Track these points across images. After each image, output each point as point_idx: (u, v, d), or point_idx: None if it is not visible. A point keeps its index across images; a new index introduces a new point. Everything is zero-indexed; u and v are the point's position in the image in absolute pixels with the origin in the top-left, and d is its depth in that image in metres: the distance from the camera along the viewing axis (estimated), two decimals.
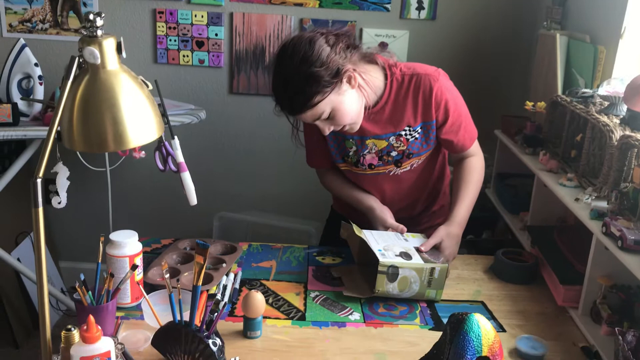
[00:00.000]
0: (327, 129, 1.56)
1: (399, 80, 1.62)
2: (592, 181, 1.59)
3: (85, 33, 1.05)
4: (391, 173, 1.72)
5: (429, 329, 1.41)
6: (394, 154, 1.68)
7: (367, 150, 1.68)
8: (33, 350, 2.59)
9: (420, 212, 1.86)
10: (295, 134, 1.70)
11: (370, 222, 1.73)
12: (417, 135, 1.65)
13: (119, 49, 1.05)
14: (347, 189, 1.80)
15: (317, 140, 1.74)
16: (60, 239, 2.98)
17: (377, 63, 1.62)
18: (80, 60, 1.03)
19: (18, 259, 2.54)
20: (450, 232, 1.64)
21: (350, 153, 1.70)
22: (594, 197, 1.50)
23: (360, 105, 1.57)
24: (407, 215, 1.80)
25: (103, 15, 1.03)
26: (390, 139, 1.65)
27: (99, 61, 1.02)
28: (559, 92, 2.04)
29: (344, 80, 1.49)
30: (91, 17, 1.02)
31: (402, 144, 1.66)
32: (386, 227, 1.69)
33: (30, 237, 2.72)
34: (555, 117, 1.90)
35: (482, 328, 1.04)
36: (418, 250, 1.54)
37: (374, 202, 1.74)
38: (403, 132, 1.64)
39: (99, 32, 1.03)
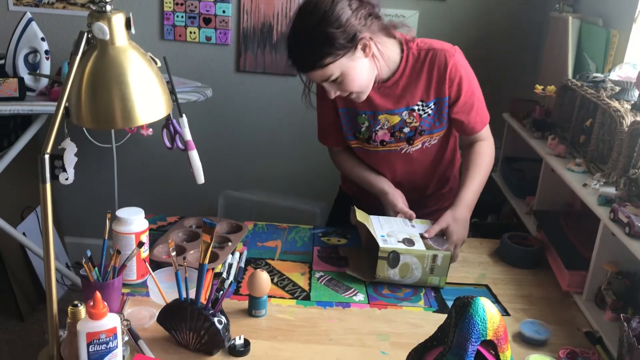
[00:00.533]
0: (333, 92, 1.55)
1: (415, 55, 1.61)
2: (601, 167, 1.58)
3: (93, 8, 1.04)
4: (403, 151, 1.71)
5: (433, 312, 1.41)
6: (406, 130, 1.66)
7: (380, 126, 1.67)
8: (38, 324, 2.61)
9: (430, 194, 1.85)
10: (306, 93, 1.66)
11: (382, 205, 1.72)
12: (429, 112, 1.64)
13: (127, 25, 1.04)
14: (360, 170, 1.79)
15: (330, 117, 1.74)
16: (65, 215, 2.99)
17: (395, 37, 1.61)
18: (89, 35, 1.02)
19: (24, 234, 2.56)
20: (457, 216, 1.62)
21: (363, 129, 1.69)
22: (602, 183, 1.49)
23: (371, 76, 1.55)
24: (416, 197, 1.78)
25: None
26: (403, 114, 1.64)
27: (107, 37, 1.01)
28: (570, 76, 2.02)
29: (359, 47, 1.48)
30: None
31: (414, 120, 1.65)
32: (396, 212, 1.68)
33: (36, 212, 2.73)
34: (565, 101, 1.89)
35: (488, 312, 1.04)
36: (422, 236, 1.54)
37: (387, 186, 1.73)
38: (416, 107, 1.63)
39: (108, 8, 1.02)
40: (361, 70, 1.51)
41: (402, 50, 1.61)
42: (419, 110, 1.64)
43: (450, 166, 1.84)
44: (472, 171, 1.70)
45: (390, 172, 1.76)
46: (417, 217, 1.68)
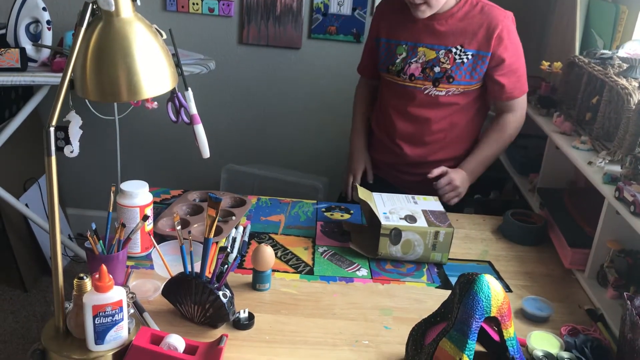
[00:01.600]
0: None
1: (473, 3, 1.71)
2: (606, 145, 1.57)
3: None
4: (426, 91, 1.76)
5: (436, 287, 1.42)
6: (437, 69, 1.73)
7: (415, 59, 1.75)
8: (41, 294, 2.63)
9: (433, 162, 1.85)
10: None
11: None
12: (465, 60, 1.71)
13: None
14: (359, 114, 2.01)
15: (370, 48, 1.90)
16: (67, 186, 2.99)
17: None
18: (94, 7, 1.01)
19: (26, 205, 2.56)
20: (457, 170, 1.77)
21: (398, 60, 1.77)
22: (607, 161, 1.48)
23: None
24: (417, 154, 1.86)
25: None
26: (440, 52, 1.73)
27: (113, 8, 0.99)
28: (577, 52, 2.00)
29: None
30: None
31: (448, 62, 1.72)
32: (348, 175, 1.96)
33: (38, 183, 2.73)
34: (572, 78, 1.87)
35: (492, 289, 1.04)
36: (425, 212, 1.54)
37: (358, 146, 1.96)
38: (454, 50, 1.71)
39: None
40: None
41: None
42: (455, 53, 1.71)
43: (466, 138, 1.86)
44: (488, 142, 1.83)
45: (404, 115, 1.82)
46: (409, 184, 1.85)
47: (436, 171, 1.76)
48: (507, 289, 1.44)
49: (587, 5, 2.03)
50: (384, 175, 1.95)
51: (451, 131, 1.82)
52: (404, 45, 1.77)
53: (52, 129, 0.99)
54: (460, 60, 1.71)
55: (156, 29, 1.08)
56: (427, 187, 1.78)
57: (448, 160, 1.85)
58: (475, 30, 1.69)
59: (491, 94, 1.78)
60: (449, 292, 1.35)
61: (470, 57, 1.70)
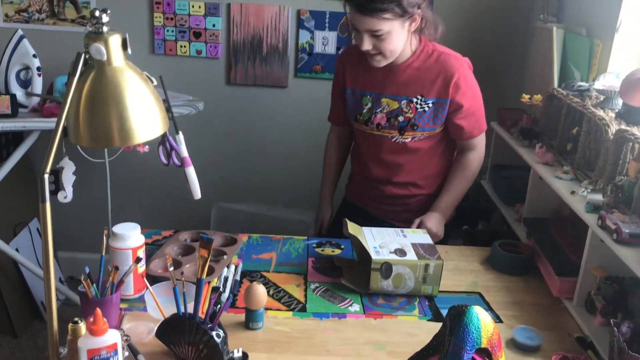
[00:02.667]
0: (367, 45, 1.67)
1: (429, 52, 1.77)
2: (588, 174, 1.62)
3: (90, 29, 1.06)
4: (393, 139, 1.82)
5: (428, 320, 1.44)
6: (400, 118, 1.79)
7: (380, 109, 1.80)
8: (32, 339, 2.60)
9: (410, 196, 1.94)
10: (347, 33, 1.96)
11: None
12: (426, 109, 1.77)
13: (124, 45, 1.06)
14: (329, 166, 2.09)
15: (338, 96, 1.94)
16: (57, 229, 2.95)
17: (421, 32, 1.79)
18: (87, 56, 1.04)
19: (17, 249, 2.56)
20: (431, 215, 1.83)
21: (364, 110, 1.83)
22: (589, 190, 1.52)
23: (401, 48, 1.73)
24: (394, 192, 1.93)
25: (109, 11, 1.04)
26: (402, 102, 1.78)
27: (105, 57, 1.03)
28: (555, 85, 2.06)
29: (410, 18, 1.67)
30: (97, 13, 1.03)
31: (410, 111, 1.77)
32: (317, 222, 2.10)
33: (29, 227, 2.73)
34: (552, 110, 1.92)
35: (482, 320, 1.06)
36: (414, 246, 1.56)
37: (325, 197, 2.06)
38: (415, 100, 1.77)
39: (105, 29, 1.04)
40: (401, 38, 1.70)
41: (419, 43, 1.77)
42: (416, 103, 1.77)
43: (436, 175, 1.93)
44: (455, 181, 1.90)
45: (377, 160, 1.89)
46: (394, 217, 1.91)
47: (413, 227, 1.81)
48: (498, 319, 1.46)
49: (563, 40, 2.10)
50: (366, 207, 2.01)
51: (423, 170, 1.90)
52: (368, 96, 1.83)
53: (46, 176, 1.02)
54: (422, 109, 1.77)
55: (147, 75, 1.11)
56: (408, 214, 1.88)
57: (427, 195, 1.92)
58: (433, 79, 1.75)
59: (452, 135, 1.87)
60: (440, 324, 1.37)
61: (431, 105, 1.77)
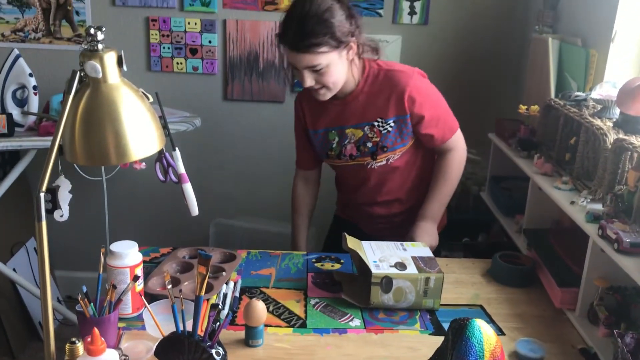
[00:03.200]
0: (309, 81, 1.66)
1: (375, 73, 1.74)
2: (587, 184, 1.61)
3: (85, 46, 1.06)
4: (369, 166, 1.82)
5: (429, 334, 1.42)
6: (369, 145, 1.78)
7: (348, 140, 1.79)
8: None
9: (398, 212, 1.93)
10: (288, 77, 1.89)
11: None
12: (389, 129, 1.75)
13: (119, 63, 1.06)
14: (298, 214, 2.04)
15: (303, 141, 1.93)
16: (54, 248, 2.96)
17: (361, 58, 1.74)
18: (82, 74, 1.04)
19: (14, 269, 2.54)
20: (424, 228, 1.78)
21: (334, 145, 1.82)
22: (589, 200, 1.52)
23: (344, 78, 1.70)
24: (384, 213, 1.92)
25: (104, 29, 1.04)
26: (365, 128, 1.77)
27: (100, 75, 1.03)
28: (552, 95, 2.06)
29: (346, 47, 1.64)
30: (92, 31, 1.03)
31: (375, 135, 1.76)
32: None
33: (26, 247, 2.72)
34: (549, 120, 1.92)
35: (484, 333, 1.05)
36: (414, 259, 1.55)
37: (300, 245, 2.00)
38: (376, 123, 1.75)
39: (100, 46, 1.04)
40: (342, 68, 1.67)
41: (364, 68, 1.75)
42: (378, 126, 1.75)
43: (421, 183, 1.91)
44: (438, 185, 1.85)
45: (360, 186, 1.88)
46: (387, 233, 1.85)
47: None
48: (500, 332, 1.44)
49: (559, 50, 2.10)
50: (358, 225, 2.00)
51: (405, 184, 1.89)
52: (333, 131, 1.82)
53: (42, 195, 1.01)
54: (386, 131, 1.76)
55: (142, 92, 1.11)
56: (401, 229, 1.86)
57: (414, 206, 1.90)
58: (387, 99, 1.73)
59: (425, 144, 1.84)
60: (442, 338, 1.36)
61: (392, 124, 1.75)
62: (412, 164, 1.86)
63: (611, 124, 1.60)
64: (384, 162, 1.81)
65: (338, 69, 1.65)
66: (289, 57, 1.66)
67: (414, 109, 1.73)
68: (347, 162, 1.84)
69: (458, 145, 1.86)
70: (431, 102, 1.77)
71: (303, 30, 1.57)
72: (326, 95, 1.71)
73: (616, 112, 1.64)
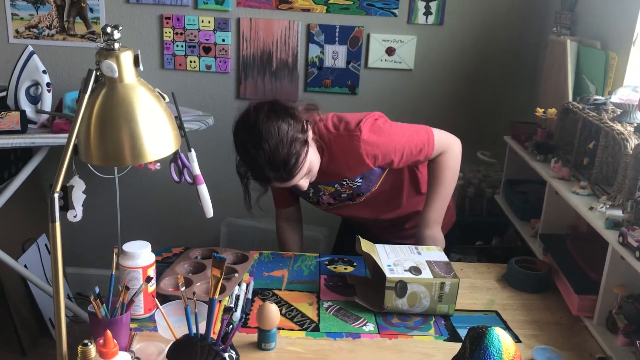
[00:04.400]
0: (306, 184, 1.64)
1: (327, 143, 1.65)
2: (606, 189, 1.58)
3: (101, 45, 1.04)
4: (352, 203, 1.80)
5: (444, 340, 1.40)
6: (344, 195, 1.76)
7: (322, 193, 1.77)
8: (40, 357, 2.58)
9: (404, 215, 1.90)
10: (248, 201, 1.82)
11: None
12: (359, 183, 1.72)
13: (136, 62, 1.05)
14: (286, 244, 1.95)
15: (280, 189, 1.83)
16: (65, 245, 2.95)
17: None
18: (98, 73, 1.02)
19: (25, 266, 2.54)
20: (428, 234, 1.73)
21: (310, 194, 1.80)
22: (608, 206, 1.49)
23: (318, 159, 1.65)
24: (389, 225, 1.89)
25: (120, 28, 1.03)
26: (336, 186, 1.74)
27: (116, 74, 1.01)
28: (570, 98, 2.03)
29: (307, 132, 1.59)
30: (108, 30, 1.02)
31: (347, 190, 1.74)
32: None
33: (37, 244, 2.72)
34: (567, 124, 1.89)
35: (503, 342, 1.03)
36: (429, 263, 1.53)
37: None
38: (344, 182, 1.72)
39: (117, 45, 1.03)
40: (314, 152, 1.62)
41: (313, 134, 1.65)
42: (347, 183, 1.72)
43: (415, 184, 1.88)
44: (434, 187, 1.76)
45: (352, 216, 1.88)
46: (397, 238, 1.83)
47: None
48: (516, 339, 1.42)
49: (577, 53, 2.07)
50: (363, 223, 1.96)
51: (399, 197, 1.85)
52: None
53: (56, 195, 1.00)
54: (356, 185, 1.72)
55: (159, 92, 1.09)
56: (404, 232, 1.87)
57: (416, 212, 1.87)
58: (347, 164, 1.67)
59: (415, 167, 1.83)
60: (457, 344, 1.34)
61: (359, 180, 1.71)
62: (398, 181, 1.81)
63: (632, 129, 1.57)
64: (364, 198, 1.78)
65: (314, 155, 1.61)
66: (277, 188, 1.69)
67: (378, 162, 1.67)
68: (327, 208, 1.83)
69: (445, 147, 1.74)
70: (392, 144, 1.65)
71: (278, 168, 1.52)
72: (315, 176, 1.66)
73: (637, 116, 1.61)
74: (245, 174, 1.70)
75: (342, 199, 1.78)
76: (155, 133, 1.05)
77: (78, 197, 1.14)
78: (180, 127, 1.14)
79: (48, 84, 2.20)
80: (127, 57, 1.03)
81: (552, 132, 2.00)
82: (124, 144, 1.02)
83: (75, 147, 1.04)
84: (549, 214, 1.86)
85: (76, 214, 1.15)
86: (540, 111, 2.01)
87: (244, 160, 1.62)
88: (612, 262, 1.39)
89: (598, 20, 2.11)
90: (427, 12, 2.59)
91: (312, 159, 1.60)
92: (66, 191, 1.21)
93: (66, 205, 1.22)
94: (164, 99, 1.09)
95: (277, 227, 1.98)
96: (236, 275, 1.60)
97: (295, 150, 1.53)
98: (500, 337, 1.04)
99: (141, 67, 1.05)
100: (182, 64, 2.68)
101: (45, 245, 2.80)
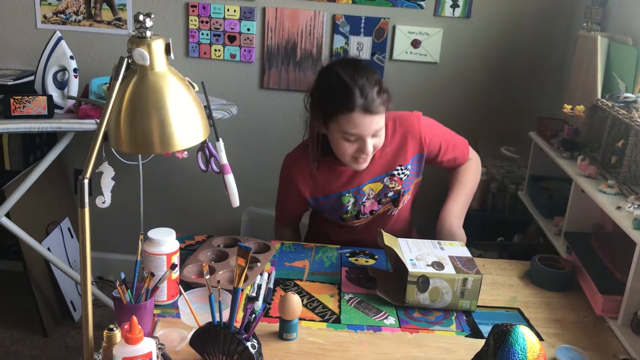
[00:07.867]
0: (372, 148, 1.61)
1: (387, 125, 1.67)
2: (634, 189, 1.56)
3: (133, 33, 1.05)
4: (389, 213, 1.81)
5: (466, 336, 1.39)
6: (390, 194, 1.76)
7: (366, 197, 1.75)
8: (62, 339, 2.62)
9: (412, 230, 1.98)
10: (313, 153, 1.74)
11: None
12: (408, 173, 1.74)
13: (167, 50, 1.05)
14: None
15: (296, 208, 1.85)
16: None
17: None
18: (129, 61, 1.03)
19: (48, 249, 2.57)
20: (445, 229, 1.73)
21: (349, 208, 1.76)
22: (636, 206, 1.47)
23: None
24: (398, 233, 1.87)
25: (153, 16, 1.03)
26: (385, 179, 1.74)
27: (148, 62, 1.02)
28: (599, 95, 2.00)
29: (389, 103, 1.63)
30: (141, 17, 1.02)
31: (396, 184, 1.74)
32: None
33: (60, 227, 2.75)
34: (595, 121, 1.87)
35: (528, 341, 1.03)
36: (452, 259, 1.52)
37: None
38: (396, 172, 1.73)
39: (148, 33, 1.03)
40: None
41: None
42: (398, 174, 1.74)
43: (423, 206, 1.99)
44: (459, 185, 1.81)
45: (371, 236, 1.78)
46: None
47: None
48: (538, 337, 1.40)
49: (607, 49, 2.04)
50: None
51: (406, 211, 1.89)
52: (347, 194, 1.74)
53: (86, 181, 1.00)
54: (406, 176, 1.75)
55: (189, 81, 1.10)
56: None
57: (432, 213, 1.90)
58: (404, 145, 1.73)
59: (449, 167, 1.87)
60: (478, 340, 1.34)
61: (410, 167, 1.75)
62: (413, 196, 1.88)
63: None
64: (401, 205, 1.80)
65: (384, 129, 1.64)
66: (353, 125, 1.54)
67: (430, 147, 1.75)
68: (367, 219, 1.80)
69: (474, 155, 1.90)
70: (440, 134, 1.79)
71: (375, 91, 1.55)
72: (367, 162, 1.65)
73: None
74: (318, 112, 1.62)
75: (386, 203, 1.77)
76: (185, 122, 1.05)
77: (107, 183, 1.15)
78: (209, 116, 1.14)
79: (75, 70, 2.22)
80: (158, 45, 1.04)
81: (579, 129, 1.97)
82: (153, 132, 1.03)
83: (105, 133, 1.05)
84: (574, 212, 1.84)
85: (105, 199, 1.16)
86: (568, 108, 1.98)
87: (337, 86, 1.56)
88: (639, 262, 1.37)
89: (630, 16, 2.07)
90: (455, 5, 2.57)
91: (384, 125, 1.61)
92: (91, 177, 1.22)
93: (90, 191, 1.23)
94: (194, 87, 1.10)
95: (281, 234, 1.96)
96: (258, 264, 1.60)
97: (387, 92, 1.59)
98: (525, 336, 1.03)
99: (172, 56, 1.05)
100: (207, 53, 2.69)
101: (68, 228, 2.83)
